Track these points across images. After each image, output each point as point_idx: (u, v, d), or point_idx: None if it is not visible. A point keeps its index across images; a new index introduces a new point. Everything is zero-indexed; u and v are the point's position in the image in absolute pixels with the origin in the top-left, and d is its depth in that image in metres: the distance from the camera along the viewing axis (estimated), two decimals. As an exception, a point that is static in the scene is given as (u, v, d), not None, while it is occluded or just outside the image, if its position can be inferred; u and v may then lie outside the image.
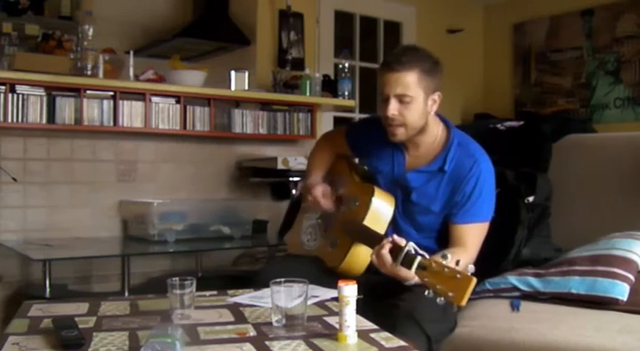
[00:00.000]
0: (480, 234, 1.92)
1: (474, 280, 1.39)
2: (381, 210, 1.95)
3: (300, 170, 3.21)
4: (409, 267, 1.55)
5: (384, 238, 1.72)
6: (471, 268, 1.43)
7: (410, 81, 1.84)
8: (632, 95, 4.60)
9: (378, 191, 1.97)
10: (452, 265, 1.44)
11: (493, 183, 1.97)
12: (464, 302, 1.40)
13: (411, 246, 1.59)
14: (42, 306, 1.66)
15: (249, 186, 3.55)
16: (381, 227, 1.92)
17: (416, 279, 1.60)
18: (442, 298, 1.43)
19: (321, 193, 2.11)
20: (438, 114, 1.99)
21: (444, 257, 1.46)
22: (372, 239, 1.78)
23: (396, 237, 1.67)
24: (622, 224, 2.23)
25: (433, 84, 1.89)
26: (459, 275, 1.41)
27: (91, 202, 3.16)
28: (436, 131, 1.97)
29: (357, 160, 2.25)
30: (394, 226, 1.96)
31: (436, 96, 1.92)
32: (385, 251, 1.66)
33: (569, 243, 2.28)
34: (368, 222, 1.92)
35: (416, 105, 1.87)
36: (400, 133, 1.92)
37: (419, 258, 1.53)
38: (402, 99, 1.86)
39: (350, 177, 2.16)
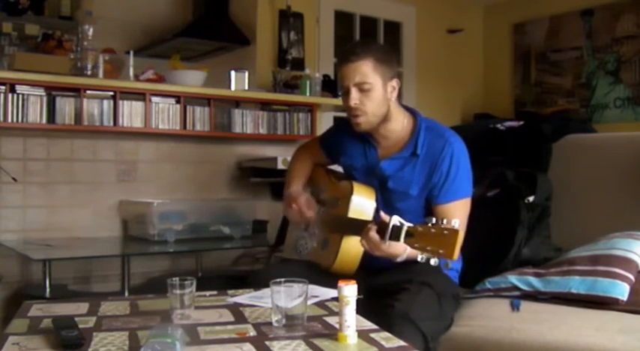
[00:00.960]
0: (464, 210, 1.95)
1: (460, 231, 1.43)
2: (362, 202, 1.99)
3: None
4: (398, 239, 1.57)
5: (369, 223, 1.75)
6: (455, 221, 1.46)
7: (366, 69, 1.91)
8: (632, 95, 4.60)
9: (356, 186, 2.01)
10: (438, 225, 1.47)
11: (467, 159, 2.00)
12: (455, 256, 1.43)
13: (396, 219, 1.61)
14: (42, 306, 1.66)
15: (249, 186, 3.55)
16: (366, 218, 1.94)
17: (407, 251, 1.62)
18: (436, 259, 1.46)
19: (304, 202, 2.14)
20: (402, 104, 2.06)
21: (429, 220, 1.50)
22: (359, 227, 1.79)
23: (382, 214, 1.69)
24: (622, 224, 2.23)
25: (389, 71, 1.96)
26: (445, 231, 1.44)
27: (91, 202, 3.16)
28: (402, 119, 2.02)
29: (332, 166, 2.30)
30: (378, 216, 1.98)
31: (394, 82, 1.98)
32: (373, 233, 1.68)
33: (569, 243, 2.28)
34: (352, 215, 1.96)
35: (376, 92, 1.93)
36: (364, 122, 1.97)
37: (405, 226, 1.56)
38: (361, 87, 1.92)
39: (329, 181, 2.22)
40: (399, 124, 2.02)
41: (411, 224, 1.57)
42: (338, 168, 2.29)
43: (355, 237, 1.85)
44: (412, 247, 1.53)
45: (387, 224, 1.62)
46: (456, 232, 1.42)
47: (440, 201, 1.95)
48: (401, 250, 1.67)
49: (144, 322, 1.48)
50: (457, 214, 1.90)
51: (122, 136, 3.21)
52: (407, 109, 2.07)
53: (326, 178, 2.25)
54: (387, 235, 1.62)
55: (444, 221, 1.47)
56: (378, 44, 2.09)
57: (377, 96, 1.94)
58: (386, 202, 2.02)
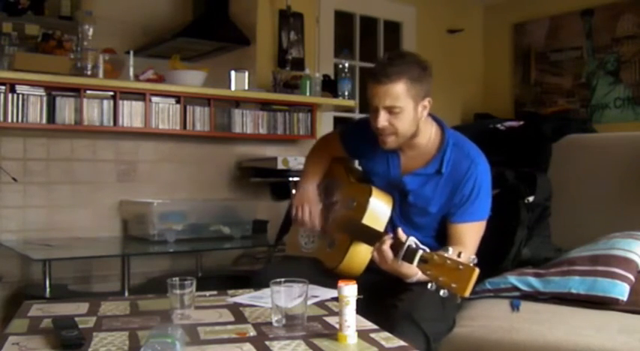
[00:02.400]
0: (478, 232, 1.93)
1: (477, 270, 1.39)
2: (379, 209, 1.95)
3: (300, 170, 3.21)
4: (411, 261, 1.55)
5: (384, 235, 1.72)
6: (473, 258, 1.43)
7: (398, 92, 1.82)
8: (632, 95, 4.60)
9: (375, 191, 1.98)
10: (454, 257, 1.45)
11: (490, 182, 1.97)
12: (467, 293, 1.40)
13: (412, 240, 1.59)
14: (42, 306, 1.66)
15: (249, 186, 3.55)
16: (379, 226, 1.92)
17: (418, 275, 1.60)
18: (445, 290, 1.43)
19: (308, 214, 2.12)
20: (430, 114, 1.97)
21: (446, 250, 1.47)
22: (372, 237, 1.78)
23: (399, 232, 1.67)
24: (622, 224, 2.23)
25: (423, 91, 1.86)
26: (461, 266, 1.41)
27: (91, 202, 3.16)
28: (429, 132, 1.96)
29: (354, 163, 2.26)
30: (392, 227, 1.96)
31: (426, 102, 1.89)
32: (386, 247, 1.66)
33: (569, 243, 2.28)
34: (366, 221, 1.92)
35: (406, 114, 1.85)
36: (391, 142, 1.91)
37: (420, 251, 1.53)
38: (391, 110, 1.84)
39: (347, 179, 2.17)
40: (426, 137, 1.95)
41: (427, 249, 1.53)
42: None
43: (365, 245, 1.84)
44: (424, 273, 1.51)
45: (403, 243, 1.59)
46: (472, 269, 1.39)
47: (455, 220, 1.91)
48: (412, 272, 1.64)
49: (144, 322, 1.48)
50: (470, 235, 1.89)
51: (122, 136, 3.21)
52: (434, 118, 1.99)
53: (345, 175, 2.19)
54: (401, 255, 1.59)
55: (462, 255, 1.44)
56: (413, 60, 1.86)
57: (407, 118, 1.85)
58: (404, 214, 1.99)
